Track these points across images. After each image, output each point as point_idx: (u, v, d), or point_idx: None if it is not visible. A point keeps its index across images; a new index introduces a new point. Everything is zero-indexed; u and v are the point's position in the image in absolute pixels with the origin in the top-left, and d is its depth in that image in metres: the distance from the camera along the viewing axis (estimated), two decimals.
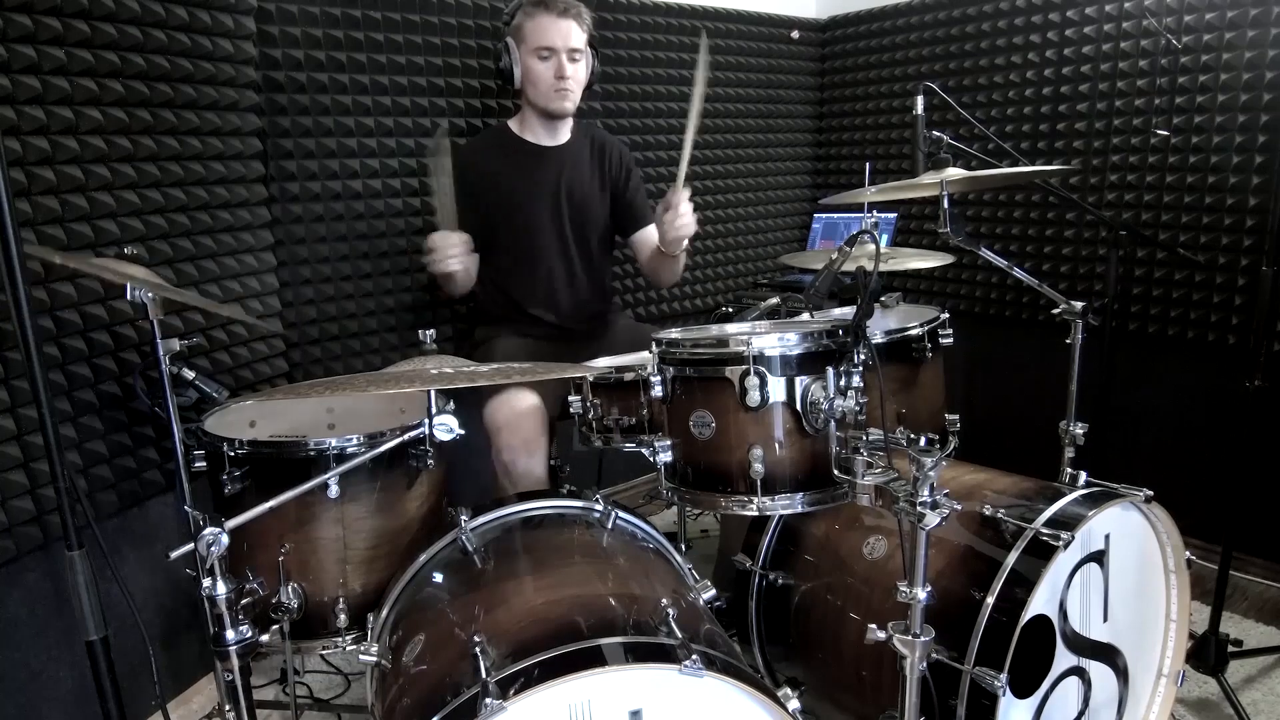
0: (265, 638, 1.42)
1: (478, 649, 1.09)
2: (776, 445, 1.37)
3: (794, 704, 1.15)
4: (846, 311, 1.84)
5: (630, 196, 2.33)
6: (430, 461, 1.59)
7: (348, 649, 1.56)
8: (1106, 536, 1.50)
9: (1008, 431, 2.45)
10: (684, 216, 1.98)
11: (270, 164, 2.09)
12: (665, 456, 1.44)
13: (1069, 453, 1.76)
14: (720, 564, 2.32)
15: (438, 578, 1.41)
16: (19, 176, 1.53)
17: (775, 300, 1.96)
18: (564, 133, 2.22)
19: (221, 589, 1.15)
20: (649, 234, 2.29)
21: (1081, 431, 1.75)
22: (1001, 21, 2.74)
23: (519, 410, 1.92)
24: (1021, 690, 1.41)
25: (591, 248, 2.29)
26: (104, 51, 1.65)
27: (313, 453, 1.53)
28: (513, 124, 2.21)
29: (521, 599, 1.24)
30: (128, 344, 1.79)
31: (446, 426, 1.34)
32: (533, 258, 2.19)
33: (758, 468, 1.35)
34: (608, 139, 2.35)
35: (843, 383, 1.34)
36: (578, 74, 2.11)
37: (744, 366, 1.33)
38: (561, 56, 2.06)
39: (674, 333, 1.56)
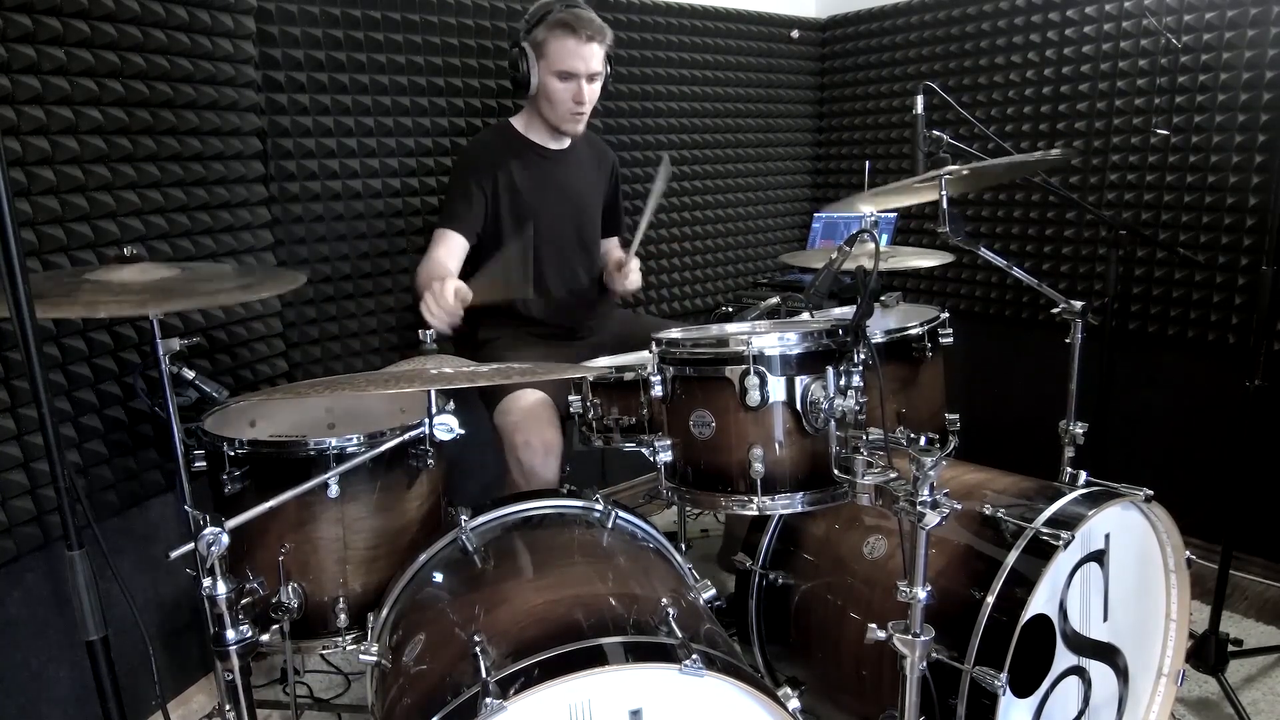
0: (265, 637, 1.42)
1: (478, 649, 1.09)
2: (776, 445, 1.36)
3: (794, 703, 1.15)
4: (846, 311, 1.84)
5: (615, 202, 2.41)
6: (430, 461, 1.59)
7: (348, 649, 1.56)
8: (1106, 536, 1.50)
9: (1008, 431, 2.45)
10: (631, 276, 2.24)
11: (270, 164, 2.09)
12: (665, 456, 1.44)
13: (1069, 452, 1.76)
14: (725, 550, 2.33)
15: (438, 577, 1.41)
16: (19, 176, 1.53)
17: (775, 300, 1.97)
18: (566, 137, 2.23)
19: (221, 589, 1.15)
20: (609, 243, 2.45)
21: (1081, 431, 1.75)
22: (1001, 21, 2.74)
23: (533, 410, 1.92)
24: (1021, 690, 1.41)
25: (594, 250, 2.32)
26: (104, 51, 1.65)
27: (313, 453, 1.53)
28: (516, 123, 2.21)
29: (521, 599, 1.24)
30: (127, 344, 1.79)
31: (447, 426, 1.34)
32: (539, 259, 2.19)
33: (758, 467, 1.35)
34: (600, 142, 2.40)
35: (843, 382, 1.34)
36: (593, 95, 2.11)
37: (744, 366, 1.33)
38: (581, 80, 2.05)
39: (674, 332, 1.56)
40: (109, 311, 1.32)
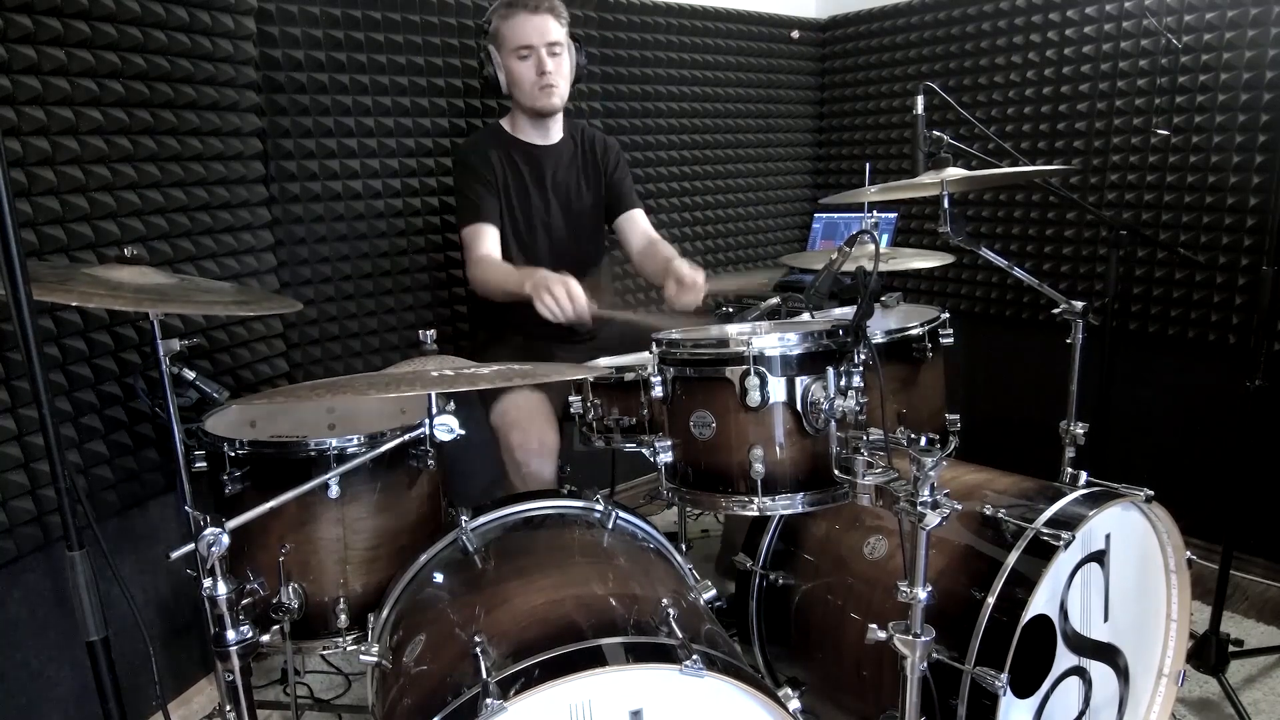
0: (266, 638, 1.42)
1: (478, 649, 1.09)
2: (777, 445, 1.36)
3: (794, 704, 1.15)
4: (846, 311, 1.84)
5: (617, 177, 2.31)
6: (430, 462, 1.59)
7: (348, 649, 1.56)
8: (1107, 536, 1.50)
9: (1008, 431, 2.45)
10: (696, 291, 1.92)
11: (270, 164, 2.09)
12: (665, 457, 1.44)
13: (1069, 452, 1.76)
14: (723, 555, 2.32)
15: (438, 578, 1.41)
16: (19, 177, 1.53)
17: (775, 300, 1.96)
18: (555, 131, 2.22)
19: (222, 589, 1.15)
20: (634, 220, 2.29)
21: (1082, 431, 1.75)
22: (1001, 21, 2.74)
23: (529, 409, 1.91)
24: (1022, 690, 1.41)
25: (589, 247, 2.30)
26: (104, 52, 1.65)
27: (313, 453, 1.53)
28: (505, 124, 2.21)
29: (522, 599, 1.24)
30: (128, 344, 1.79)
31: (447, 427, 1.34)
32: (534, 257, 2.19)
33: (758, 468, 1.35)
34: (595, 133, 2.35)
35: (843, 383, 1.34)
36: (560, 68, 2.09)
37: (744, 366, 1.33)
38: (541, 52, 2.04)
39: (674, 333, 1.56)
40: (101, 304, 1.32)
